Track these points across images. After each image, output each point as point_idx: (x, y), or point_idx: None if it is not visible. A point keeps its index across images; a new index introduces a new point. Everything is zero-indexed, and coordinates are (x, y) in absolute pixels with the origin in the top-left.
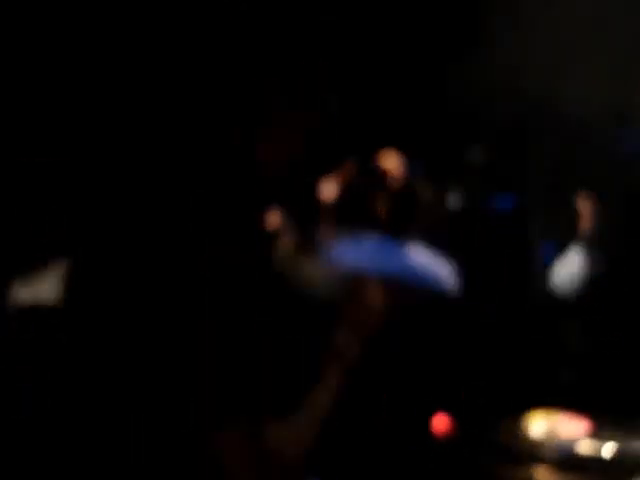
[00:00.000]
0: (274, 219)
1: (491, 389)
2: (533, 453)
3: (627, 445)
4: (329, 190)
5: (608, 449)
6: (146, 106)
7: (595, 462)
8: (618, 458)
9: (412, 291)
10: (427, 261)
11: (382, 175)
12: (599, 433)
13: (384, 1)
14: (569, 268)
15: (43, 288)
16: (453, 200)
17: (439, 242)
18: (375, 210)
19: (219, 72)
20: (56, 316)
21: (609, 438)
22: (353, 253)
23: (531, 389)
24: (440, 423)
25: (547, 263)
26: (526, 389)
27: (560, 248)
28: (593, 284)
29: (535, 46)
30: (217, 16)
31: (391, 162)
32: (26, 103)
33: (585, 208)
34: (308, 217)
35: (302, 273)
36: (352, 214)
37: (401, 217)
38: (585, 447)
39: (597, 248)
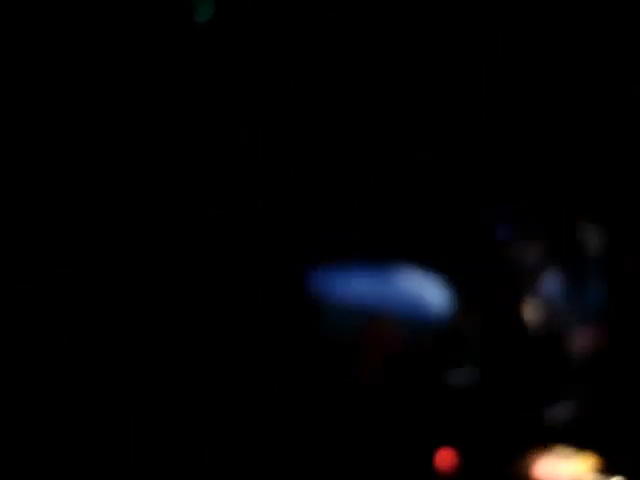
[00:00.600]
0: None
1: (497, 424)
2: None
3: None
4: None
5: None
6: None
7: None
8: None
9: (411, 322)
10: (419, 287)
11: None
12: (605, 470)
13: None
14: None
15: None
16: None
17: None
18: None
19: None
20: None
21: (615, 475)
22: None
23: (537, 425)
24: (445, 457)
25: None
26: (532, 425)
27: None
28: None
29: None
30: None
31: None
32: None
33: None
34: None
35: None
36: None
37: None
38: None
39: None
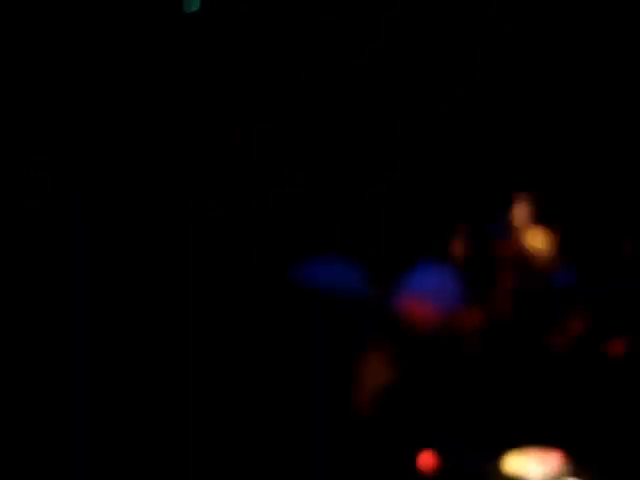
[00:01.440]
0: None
1: (474, 426)
2: None
3: None
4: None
5: None
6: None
7: None
8: None
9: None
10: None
11: None
12: (579, 472)
13: None
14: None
15: None
16: None
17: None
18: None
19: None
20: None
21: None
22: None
23: (513, 426)
24: (425, 460)
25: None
26: (508, 426)
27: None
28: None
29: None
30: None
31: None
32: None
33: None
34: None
35: None
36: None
37: None
38: None
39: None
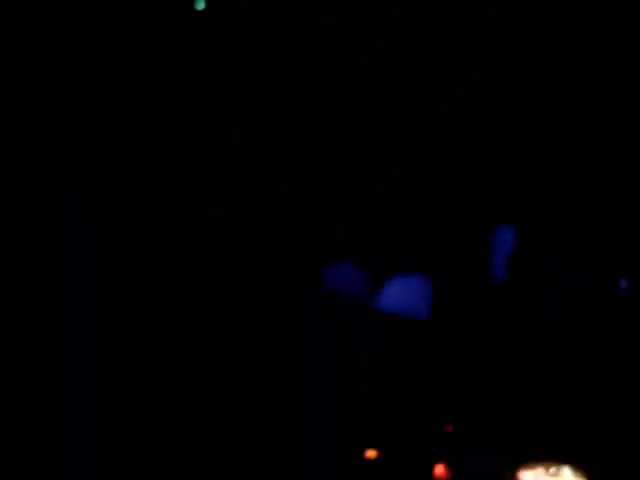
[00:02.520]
0: None
1: (490, 438)
2: None
3: None
4: None
5: None
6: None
7: None
8: None
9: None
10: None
11: None
12: None
13: None
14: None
15: None
16: None
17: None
18: None
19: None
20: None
21: None
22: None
23: (530, 440)
24: (440, 472)
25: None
26: (525, 440)
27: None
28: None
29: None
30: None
31: None
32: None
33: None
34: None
35: None
36: None
37: None
38: None
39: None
